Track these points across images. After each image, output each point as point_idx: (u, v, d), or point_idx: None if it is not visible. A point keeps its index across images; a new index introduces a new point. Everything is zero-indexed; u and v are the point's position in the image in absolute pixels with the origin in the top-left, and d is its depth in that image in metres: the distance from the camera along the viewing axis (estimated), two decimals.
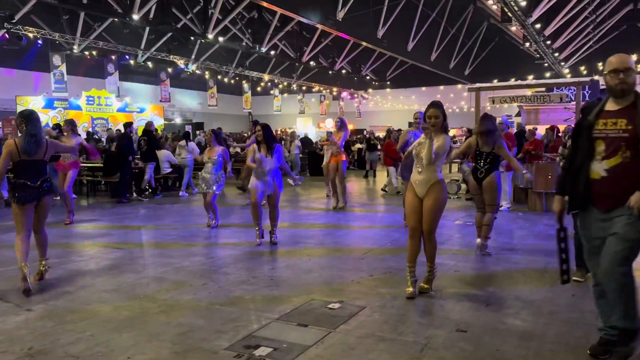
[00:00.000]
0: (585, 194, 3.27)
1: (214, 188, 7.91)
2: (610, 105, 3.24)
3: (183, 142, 13.53)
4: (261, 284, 5.01)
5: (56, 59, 20.72)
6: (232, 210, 10.18)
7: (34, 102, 20.29)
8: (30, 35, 19.20)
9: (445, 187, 4.61)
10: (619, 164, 3.12)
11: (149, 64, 24.78)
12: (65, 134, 9.07)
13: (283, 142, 19.92)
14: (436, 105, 4.69)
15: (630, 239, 3.11)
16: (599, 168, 3.19)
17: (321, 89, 33.88)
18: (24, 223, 4.91)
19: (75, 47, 21.44)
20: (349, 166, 18.61)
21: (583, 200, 3.30)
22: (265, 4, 16.92)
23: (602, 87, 22.78)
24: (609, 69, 3.19)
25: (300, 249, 6.63)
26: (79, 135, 9.06)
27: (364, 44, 23.00)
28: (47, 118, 20.19)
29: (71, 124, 8.95)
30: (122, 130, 14.42)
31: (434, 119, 4.59)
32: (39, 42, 20.25)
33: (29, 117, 4.98)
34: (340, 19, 18.83)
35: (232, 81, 29.39)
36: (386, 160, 12.78)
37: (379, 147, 18.60)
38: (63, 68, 20.89)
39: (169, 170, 13.56)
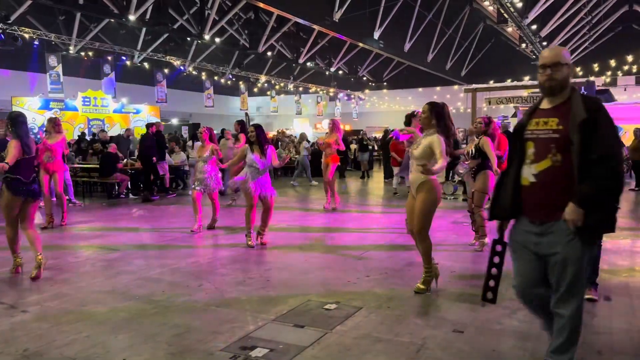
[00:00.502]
0: (513, 202, 2.92)
1: (212, 186, 7.83)
2: (544, 104, 2.92)
3: (190, 143, 13.81)
4: (257, 285, 5.00)
5: (52, 60, 20.66)
6: (227, 211, 10.17)
7: (30, 103, 20.25)
8: (26, 35, 19.14)
9: (436, 187, 4.60)
10: (548, 168, 2.76)
11: (146, 64, 24.73)
12: (50, 132, 8.87)
13: (280, 144, 19.93)
14: (430, 103, 4.73)
15: (576, 259, 2.72)
16: (527, 173, 2.84)
17: (318, 89, 33.87)
18: (12, 215, 5.31)
19: (71, 47, 21.39)
20: (345, 167, 18.65)
21: (511, 208, 2.94)
22: (261, 5, 16.91)
23: (597, 88, 22.90)
24: (539, 64, 2.88)
25: (296, 249, 6.62)
26: (62, 133, 8.85)
27: (361, 44, 23.00)
28: (43, 119, 20.12)
29: (54, 123, 8.78)
30: (144, 131, 14.45)
31: (422, 115, 4.65)
32: (35, 42, 20.18)
33: (16, 120, 5.36)
34: (336, 20, 18.84)
35: (229, 82, 29.37)
36: (393, 161, 12.73)
37: (373, 147, 18.68)
38: (59, 69, 20.82)
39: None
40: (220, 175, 8.11)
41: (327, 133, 10.58)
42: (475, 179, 6.37)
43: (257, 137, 6.64)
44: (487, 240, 6.32)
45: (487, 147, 6.23)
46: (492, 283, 3.14)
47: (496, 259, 3.09)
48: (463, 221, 8.15)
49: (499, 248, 3.11)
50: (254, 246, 6.70)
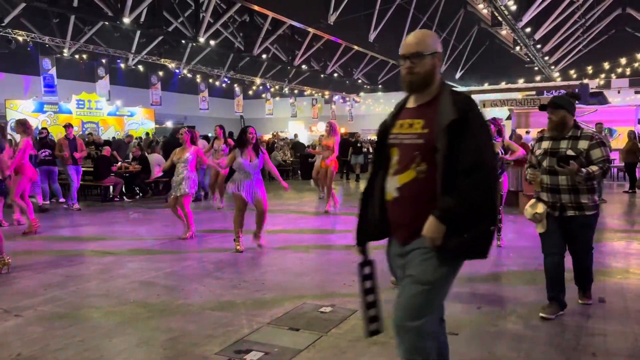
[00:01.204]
0: (381, 220, 2.43)
1: (185, 189, 7.37)
2: (410, 102, 2.42)
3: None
4: (252, 288, 4.99)
5: (46, 63, 20.58)
6: (223, 214, 10.15)
7: (24, 106, 20.16)
8: (20, 38, 19.07)
9: None
10: (412, 180, 2.27)
11: (140, 67, 24.68)
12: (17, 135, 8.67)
13: (275, 146, 19.93)
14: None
15: (427, 281, 2.28)
16: (391, 186, 2.34)
17: (313, 92, 33.89)
18: None
19: (65, 50, 21.32)
20: (342, 170, 18.64)
21: (378, 228, 2.46)
22: (256, 8, 16.93)
23: (591, 90, 23.03)
24: (399, 53, 2.37)
25: (291, 252, 6.61)
26: (30, 135, 8.70)
27: (356, 47, 23.06)
28: (37, 122, 20.04)
29: (22, 125, 8.51)
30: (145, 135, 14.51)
31: None
32: (29, 45, 20.11)
33: None
34: (331, 23, 18.87)
35: (224, 85, 29.35)
36: None
37: (367, 150, 18.68)
38: (53, 71, 20.75)
39: (160, 174, 13.50)
40: (196, 180, 7.70)
41: (323, 135, 10.52)
42: None
43: (242, 141, 6.46)
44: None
45: (513, 146, 6.42)
46: (372, 312, 2.56)
47: (368, 284, 2.52)
48: None
49: (367, 271, 2.52)
50: (243, 251, 6.58)
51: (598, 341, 3.64)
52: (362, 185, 14.36)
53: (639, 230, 7.87)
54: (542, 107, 4.14)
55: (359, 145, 17.98)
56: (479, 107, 2.28)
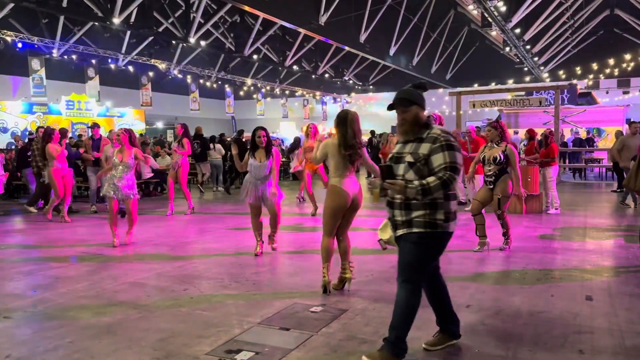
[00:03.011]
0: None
1: (132, 193, 7.08)
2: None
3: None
4: (243, 289, 5.00)
5: (35, 63, 20.44)
6: (218, 216, 10.14)
7: (12, 107, 20.00)
8: (9, 39, 18.94)
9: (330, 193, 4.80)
10: None
11: (130, 68, 24.59)
12: None
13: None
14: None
15: None
16: None
17: (304, 93, 33.93)
18: None
19: (54, 51, 21.19)
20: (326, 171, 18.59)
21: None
22: (247, 8, 16.92)
23: (580, 91, 23.23)
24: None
25: (281, 253, 6.62)
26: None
27: (347, 48, 23.11)
28: (26, 123, 19.90)
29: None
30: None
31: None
32: (18, 45, 19.97)
33: None
34: (322, 24, 18.91)
35: (215, 85, 29.29)
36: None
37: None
38: (42, 72, 20.61)
39: (150, 175, 13.44)
40: (135, 181, 7.30)
41: (304, 138, 10.38)
42: (496, 184, 6.38)
43: (252, 144, 6.20)
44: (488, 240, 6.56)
45: (512, 156, 6.34)
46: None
47: None
48: None
49: None
50: (258, 254, 6.39)
51: (585, 338, 3.68)
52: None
53: (625, 229, 7.96)
54: (391, 107, 3.31)
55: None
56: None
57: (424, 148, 3.16)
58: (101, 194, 7.65)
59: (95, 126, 10.91)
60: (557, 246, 6.85)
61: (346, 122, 4.66)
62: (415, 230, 3.17)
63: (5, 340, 3.76)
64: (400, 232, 3.25)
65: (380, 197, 3.30)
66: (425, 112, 3.30)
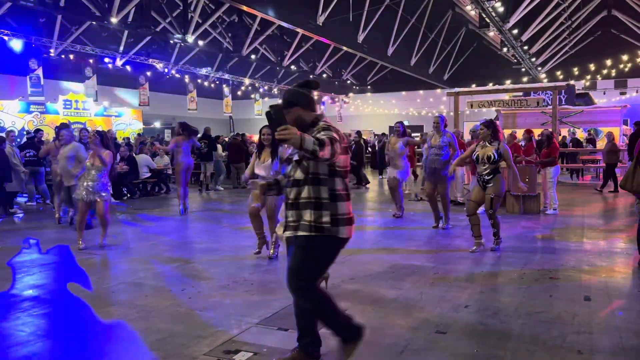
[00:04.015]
0: None
1: (104, 195, 6.87)
2: None
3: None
4: (241, 289, 4.99)
5: (32, 62, 20.36)
6: (217, 216, 10.12)
7: (10, 106, 19.93)
8: (6, 38, 18.87)
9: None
10: None
11: (128, 67, 24.52)
12: None
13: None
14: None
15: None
16: None
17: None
18: None
19: (52, 50, 21.12)
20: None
21: None
22: (245, 8, 16.90)
23: (578, 91, 23.26)
24: None
25: (280, 253, 6.60)
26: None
27: (345, 48, 23.10)
28: (24, 122, 19.84)
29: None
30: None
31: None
32: (15, 45, 19.88)
33: None
34: (320, 24, 18.90)
35: (212, 85, 29.25)
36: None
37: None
38: (40, 71, 20.53)
39: (148, 175, 13.44)
40: (109, 186, 7.08)
41: None
42: (490, 184, 6.39)
43: (258, 143, 6.09)
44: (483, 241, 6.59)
45: (507, 154, 6.37)
46: None
47: None
48: (446, 224, 8.20)
49: None
50: (259, 252, 6.32)
51: (583, 338, 3.68)
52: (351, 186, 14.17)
53: (623, 229, 7.97)
54: (268, 114, 2.88)
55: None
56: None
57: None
58: (73, 196, 7.48)
59: (62, 127, 10.24)
60: (555, 246, 6.86)
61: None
62: (300, 233, 3.02)
63: (3, 342, 3.74)
64: (287, 233, 3.13)
65: (265, 194, 3.29)
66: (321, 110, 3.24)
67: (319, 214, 2.99)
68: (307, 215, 3.00)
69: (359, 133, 18.44)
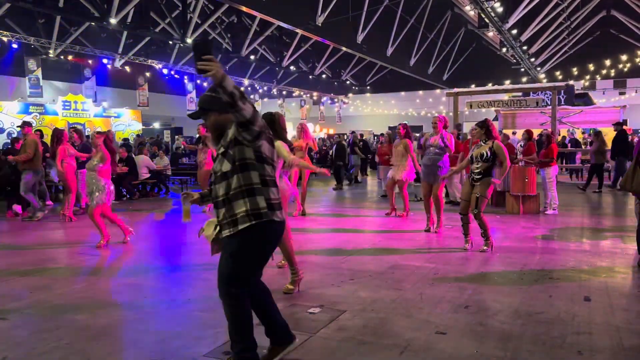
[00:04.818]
0: None
1: (98, 196, 6.84)
2: None
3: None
4: None
5: (31, 64, 20.37)
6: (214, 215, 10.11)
7: (9, 107, 19.92)
8: (5, 39, 18.87)
9: None
10: None
11: (127, 68, 24.53)
12: None
13: None
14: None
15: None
16: None
17: (301, 93, 33.91)
18: None
19: (51, 51, 21.13)
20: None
21: None
22: (244, 9, 16.90)
23: (577, 91, 23.28)
24: None
25: (277, 253, 6.58)
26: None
27: (344, 49, 23.11)
28: (22, 124, 19.78)
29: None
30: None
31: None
32: (14, 46, 19.90)
33: None
34: (319, 24, 18.91)
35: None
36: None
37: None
38: (39, 72, 20.54)
39: (147, 175, 13.43)
40: (112, 186, 7.06)
41: (294, 137, 10.33)
42: (479, 183, 6.40)
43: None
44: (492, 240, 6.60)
45: (500, 150, 6.37)
46: None
47: None
48: (445, 224, 8.20)
49: None
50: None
51: (583, 339, 3.68)
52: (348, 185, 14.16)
53: (622, 229, 7.97)
54: (196, 117, 3.12)
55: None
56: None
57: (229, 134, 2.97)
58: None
59: (25, 125, 10.19)
60: (555, 247, 6.85)
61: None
62: (240, 227, 2.93)
63: (1, 342, 3.73)
64: (225, 232, 3.01)
65: (200, 203, 3.31)
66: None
67: (254, 200, 2.92)
68: (242, 205, 2.92)
69: (352, 133, 18.52)
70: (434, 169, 7.80)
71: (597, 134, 13.93)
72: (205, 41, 2.73)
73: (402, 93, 33.68)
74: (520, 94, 21.59)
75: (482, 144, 6.50)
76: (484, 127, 6.53)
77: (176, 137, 23.34)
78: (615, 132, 13.80)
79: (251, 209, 2.91)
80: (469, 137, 9.49)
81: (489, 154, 6.36)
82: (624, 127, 14.87)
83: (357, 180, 17.27)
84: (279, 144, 4.57)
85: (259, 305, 3.20)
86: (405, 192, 9.45)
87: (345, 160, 16.06)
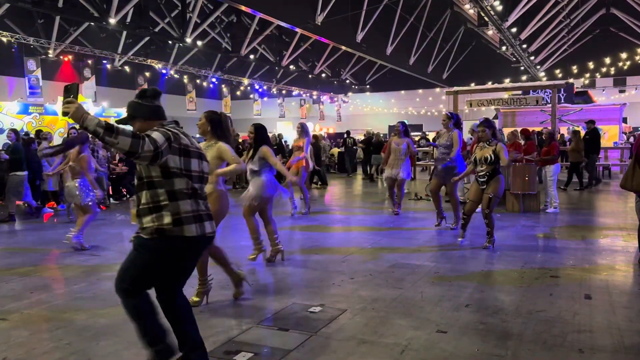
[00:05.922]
0: None
1: (84, 197, 6.94)
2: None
3: None
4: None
5: (31, 64, 20.38)
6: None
7: (8, 108, 19.91)
8: (4, 39, 18.86)
9: (221, 197, 4.58)
10: None
11: (126, 68, 24.54)
12: None
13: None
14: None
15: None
16: None
17: (301, 92, 33.91)
18: None
19: (50, 51, 21.13)
20: (329, 170, 18.59)
21: None
22: (243, 8, 16.89)
23: (576, 89, 23.26)
24: None
25: (278, 253, 6.59)
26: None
27: (343, 47, 23.11)
28: (22, 124, 19.80)
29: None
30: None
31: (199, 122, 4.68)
32: (14, 46, 19.90)
33: None
34: (319, 23, 18.89)
35: (211, 85, 29.25)
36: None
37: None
38: (38, 73, 20.55)
39: None
40: (90, 186, 7.03)
41: (295, 137, 10.34)
42: (489, 183, 6.43)
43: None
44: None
45: (502, 151, 6.37)
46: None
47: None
48: (446, 224, 8.20)
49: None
50: (255, 258, 6.15)
51: (584, 337, 3.67)
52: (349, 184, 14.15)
53: (623, 227, 7.96)
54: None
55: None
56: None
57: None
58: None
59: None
60: (556, 245, 6.85)
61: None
62: (143, 236, 2.94)
63: (1, 342, 3.73)
64: (132, 236, 3.03)
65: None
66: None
67: (160, 215, 2.89)
68: (149, 222, 2.90)
69: (347, 133, 18.50)
70: (444, 168, 7.83)
71: (575, 133, 13.90)
72: (71, 85, 2.79)
73: (402, 92, 33.67)
74: (520, 92, 21.56)
75: (486, 145, 6.49)
76: (492, 128, 6.54)
77: None
78: (586, 131, 13.80)
79: (156, 226, 2.88)
80: (469, 137, 9.50)
81: (492, 157, 6.38)
82: (621, 126, 14.86)
83: (372, 179, 17.32)
84: (223, 147, 4.42)
85: (173, 318, 3.14)
86: (402, 190, 9.45)
87: (320, 161, 15.96)
